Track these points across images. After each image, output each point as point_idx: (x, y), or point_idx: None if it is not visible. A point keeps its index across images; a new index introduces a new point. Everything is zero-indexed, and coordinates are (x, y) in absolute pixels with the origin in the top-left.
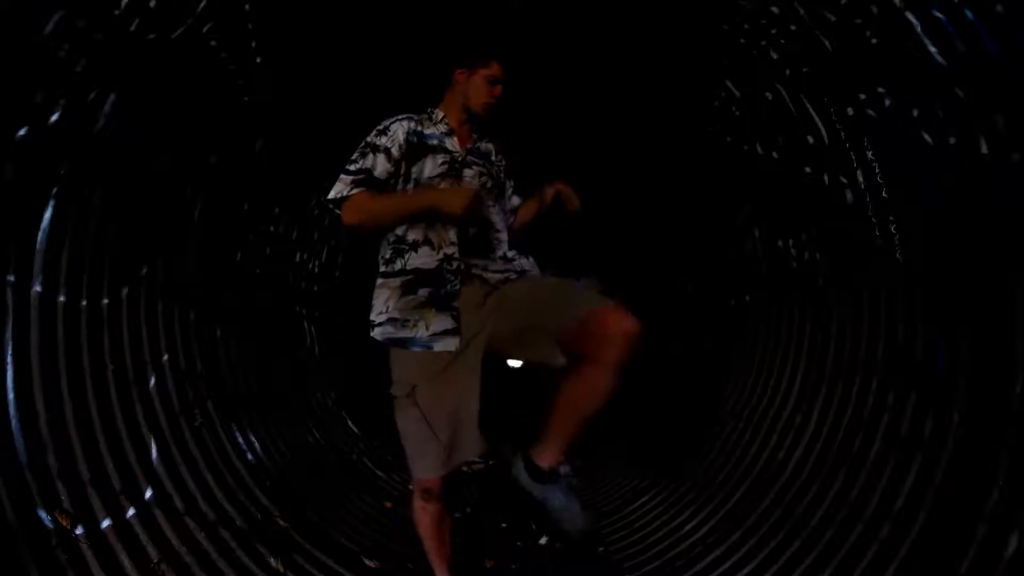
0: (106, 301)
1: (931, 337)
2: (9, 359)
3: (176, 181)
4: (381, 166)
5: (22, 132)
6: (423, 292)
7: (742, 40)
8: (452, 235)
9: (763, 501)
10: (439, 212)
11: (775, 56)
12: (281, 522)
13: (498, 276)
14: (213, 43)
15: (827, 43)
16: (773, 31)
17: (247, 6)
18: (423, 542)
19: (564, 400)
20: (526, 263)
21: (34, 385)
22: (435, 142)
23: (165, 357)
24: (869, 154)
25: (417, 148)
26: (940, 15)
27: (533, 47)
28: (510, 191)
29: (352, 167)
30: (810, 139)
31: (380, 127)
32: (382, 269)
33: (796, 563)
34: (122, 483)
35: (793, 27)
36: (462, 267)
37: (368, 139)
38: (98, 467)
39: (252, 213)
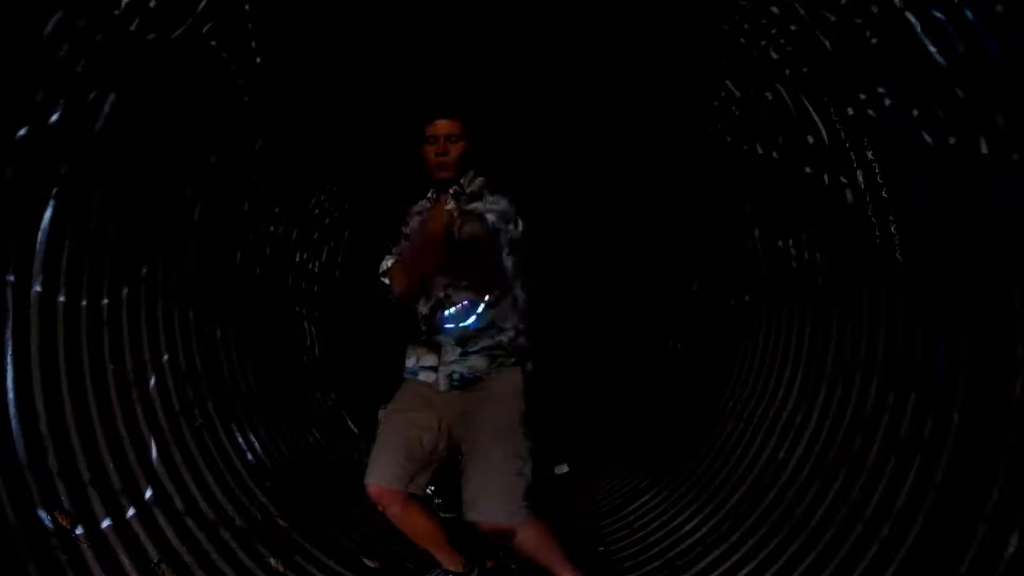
0: (106, 301)
1: (931, 337)
2: (9, 359)
3: (176, 181)
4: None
5: (22, 132)
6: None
7: (742, 40)
8: (426, 309)
9: (763, 501)
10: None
11: (775, 56)
12: (281, 522)
13: (468, 363)
14: (213, 43)
15: (827, 43)
16: (773, 31)
17: (247, 6)
18: None
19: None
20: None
21: (34, 385)
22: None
23: (165, 357)
24: (869, 154)
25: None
26: (940, 15)
27: (533, 48)
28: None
29: (393, 248)
30: (810, 139)
31: (408, 215)
32: None
33: (796, 563)
34: (122, 483)
35: (793, 27)
36: (432, 337)
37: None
38: (98, 467)
39: (252, 213)
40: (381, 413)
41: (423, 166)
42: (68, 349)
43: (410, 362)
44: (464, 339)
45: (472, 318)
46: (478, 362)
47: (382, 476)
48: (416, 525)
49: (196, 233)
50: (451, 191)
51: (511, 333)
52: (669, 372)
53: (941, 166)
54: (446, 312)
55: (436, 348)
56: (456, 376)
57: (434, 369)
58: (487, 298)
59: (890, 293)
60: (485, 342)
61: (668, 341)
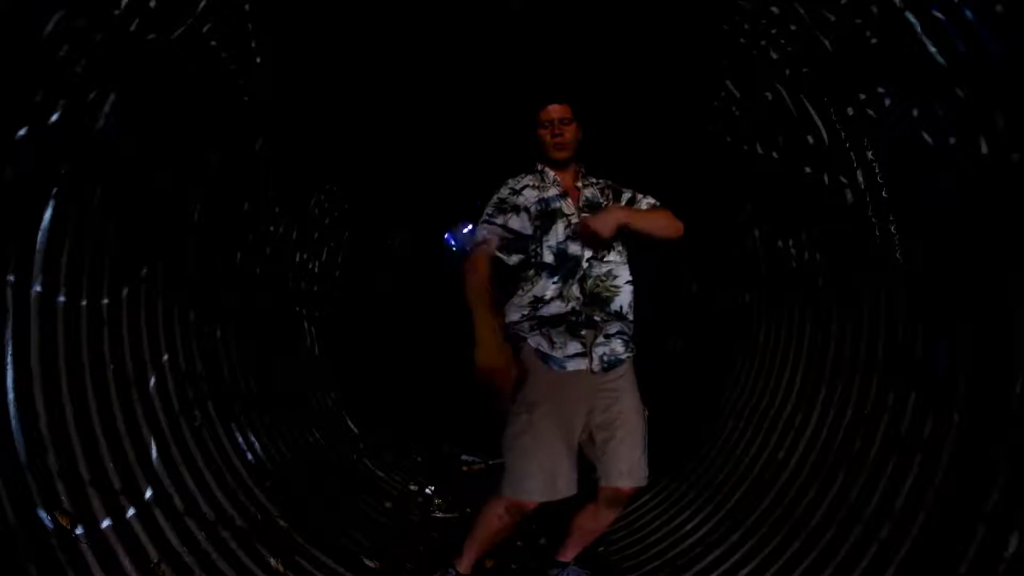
0: (106, 301)
1: (931, 337)
2: (9, 359)
3: (176, 181)
4: (518, 223)
5: (22, 132)
6: (559, 322)
7: (742, 40)
8: (577, 291)
9: (763, 501)
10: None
11: (775, 56)
12: (281, 522)
13: (610, 351)
14: (213, 43)
15: (827, 43)
16: (773, 31)
17: (247, 6)
18: (475, 529)
19: (582, 524)
20: (624, 336)
21: (34, 385)
22: (556, 206)
23: (165, 357)
24: (869, 154)
25: (546, 214)
26: (940, 15)
27: (533, 48)
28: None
29: (489, 221)
30: (810, 139)
31: (511, 185)
32: (518, 295)
33: (796, 563)
34: (122, 483)
35: (793, 27)
36: (583, 317)
37: (501, 195)
38: (98, 467)
39: (252, 213)
40: (524, 419)
41: (535, 149)
42: (68, 349)
43: (556, 352)
44: (604, 322)
45: (622, 300)
46: (617, 346)
47: (544, 493)
48: (503, 526)
49: (196, 233)
50: (580, 170)
51: (633, 316)
52: (669, 372)
53: (941, 166)
54: (604, 294)
55: (576, 333)
56: (606, 357)
57: (583, 355)
58: (630, 281)
59: (890, 293)
60: (617, 326)
61: (668, 341)
